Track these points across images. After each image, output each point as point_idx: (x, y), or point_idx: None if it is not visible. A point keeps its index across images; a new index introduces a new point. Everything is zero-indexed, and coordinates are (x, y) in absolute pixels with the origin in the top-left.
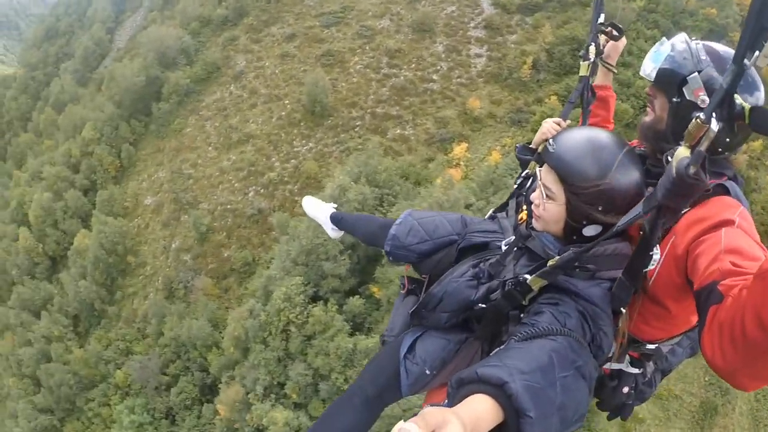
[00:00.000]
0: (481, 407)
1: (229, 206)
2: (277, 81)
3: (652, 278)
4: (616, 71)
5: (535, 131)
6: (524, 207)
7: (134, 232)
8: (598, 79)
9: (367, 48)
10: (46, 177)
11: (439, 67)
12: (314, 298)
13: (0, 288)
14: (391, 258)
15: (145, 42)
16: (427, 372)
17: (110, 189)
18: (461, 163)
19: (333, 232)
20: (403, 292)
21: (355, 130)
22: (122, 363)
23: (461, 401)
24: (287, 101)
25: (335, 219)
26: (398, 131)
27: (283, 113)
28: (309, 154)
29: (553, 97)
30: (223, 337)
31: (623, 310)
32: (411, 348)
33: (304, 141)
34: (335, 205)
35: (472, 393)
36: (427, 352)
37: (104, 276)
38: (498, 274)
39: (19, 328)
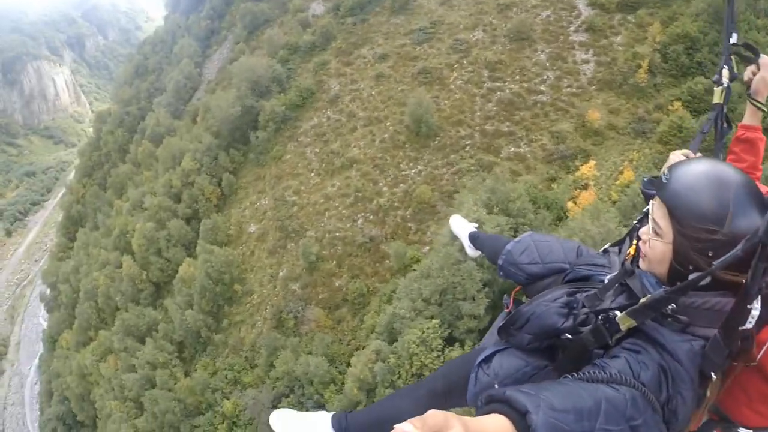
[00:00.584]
0: (494, 426)
1: (337, 234)
2: (375, 103)
3: (765, 347)
4: (766, 110)
5: (662, 142)
6: (634, 242)
7: (240, 260)
8: (746, 118)
9: (465, 62)
10: (148, 207)
11: (545, 77)
12: (449, 340)
13: (104, 313)
14: (501, 273)
15: (236, 72)
16: (496, 386)
17: (213, 217)
18: (591, 183)
19: (470, 249)
20: (506, 310)
21: (465, 149)
22: (230, 392)
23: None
24: (388, 123)
25: (473, 237)
26: (512, 149)
27: (386, 135)
28: (419, 178)
29: (677, 104)
30: (340, 373)
31: (714, 376)
32: (488, 359)
33: (411, 164)
34: (476, 225)
35: (495, 411)
36: (503, 367)
37: (210, 304)
38: (592, 307)
39: (122, 353)
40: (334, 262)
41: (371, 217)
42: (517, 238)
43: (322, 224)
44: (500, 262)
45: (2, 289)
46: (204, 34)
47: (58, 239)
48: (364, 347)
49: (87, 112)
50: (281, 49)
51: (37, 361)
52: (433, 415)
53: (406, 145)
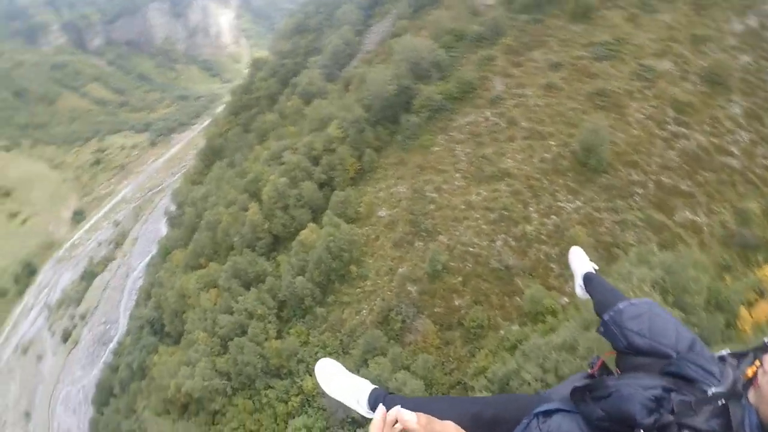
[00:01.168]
0: None
1: (471, 249)
2: (541, 115)
3: None
4: None
5: None
6: (757, 363)
7: (363, 241)
8: None
9: (648, 94)
10: (286, 162)
11: (738, 137)
12: None
13: (219, 247)
14: (602, 330)
15: (397, 49)
16: None
17: (347, 191)
18: None
19: (580, 290)
20: (589, 371)
21: (635, 198)
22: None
23: None
24: (552, 142)
25: (587, 279)
26: (689, 215)
27: (547, 155)
28: (575, 215)
29: None
30: None
31: None
32: (549, 413)
33: (570, 196)
34: (596, 267)
35: None
36: (560, 430)
37: (322, 276)
38: (681, 415)
39: (225, 293)
40: (460, 278)
41: (512, 242)
42: (633, 300)
43: (457, 233)
44: (606, 317)
45: (135, 190)
46: (367, 3)
47: (196, 163)
48: (466, 386)
49: (245, 55)
50: (446, 34)
51: (147, 259)
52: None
53: (569, 174)
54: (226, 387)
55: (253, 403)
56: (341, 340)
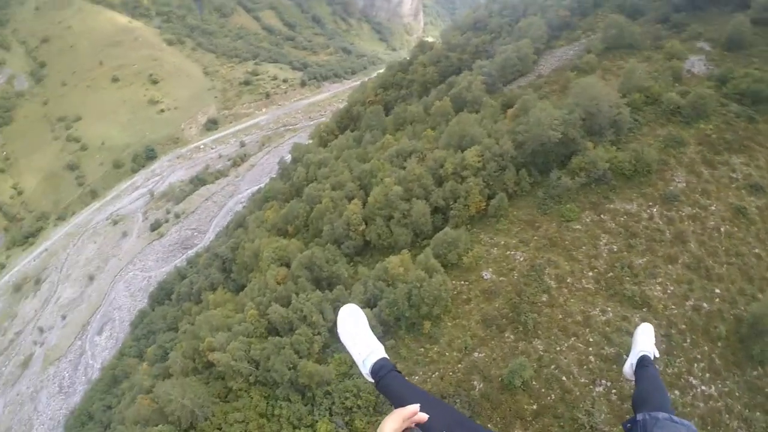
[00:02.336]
0: None
1: (564, 379)
2: (717, 246)
3: None
4: None
5: None
6: None
7: (450, 296)
8: None
9: None
10: (407, 170)
11: None
12: None
13: (310, 224)
14: (628, 426)
15: (575, 91)
16: None
17: (459, 231)
18: None
19: (629, 368)
20: None
21: None
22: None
23: None
24: (718, 290)
25: (641, 363)
26: None
27: (705, 306)
28: (701, 404)
29: None
30: None
31: None
32: None
33: (708, 375)
34: (657, 355)
35: None
36: None
37: (391, 317)
38: None
39: (290, 282)
40: (535, 406)
41: (615, 397)
42: (676, 418)
43: (558, 349)
44: (639, 417)
45: (271, 121)
46: (557, 23)
47: (329, 122)
48: None
49: (418, 30)
50: (636, 92)
51: (254, 189)
52: None
53: (719, 344)
54: (250, 374)
55: (267, 405)
56: (378, 395)
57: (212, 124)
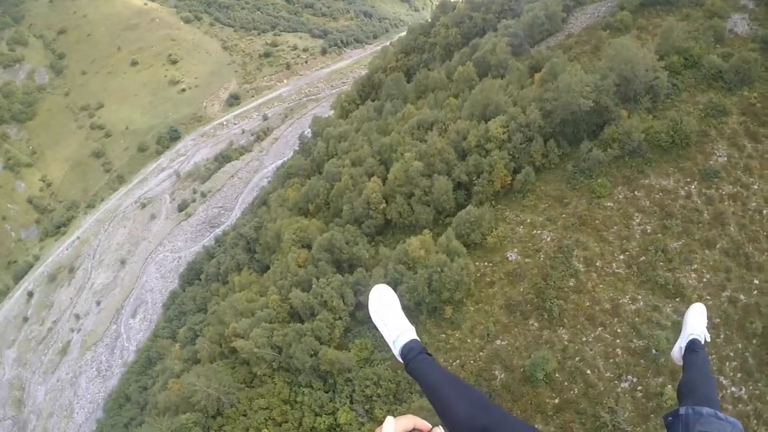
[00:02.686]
0: None
1: (588, 372)
2: (759, 231)
3: None
4: None
5: None
6: None
7: (473, 278)
8: None
9: None
10: (428, 143)
11: None
12: None
13: (330, 203)
14: (670, 419)
15: (609, 54)
16: None
17: (483, 209)
18: None
19: (677, 351)
20: None
21: None
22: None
23: None
24: (757, 280)
25: (690, 348)
26: None
27: (742, 298)
28: (730, 407)
29: None
30: None
31: None
32: None
33: (740, 376)
34: (708, 338)
35: None
36: None
37: (411, 301)
38: None
39: (311, 266)
40: (557, 400)
41: (640, 395)
42: (721, 414)
43: (583, 339)
44: (682, 411)
45: (293, 92)
46: None
47: (350, 91)
48: None
49: None
50: (675, 53)
51: (279, 163)
52: None
53: (755, 341)
54: (273, 360)
55: (290, 391)
56: (398, 383)
57: (234, 100)
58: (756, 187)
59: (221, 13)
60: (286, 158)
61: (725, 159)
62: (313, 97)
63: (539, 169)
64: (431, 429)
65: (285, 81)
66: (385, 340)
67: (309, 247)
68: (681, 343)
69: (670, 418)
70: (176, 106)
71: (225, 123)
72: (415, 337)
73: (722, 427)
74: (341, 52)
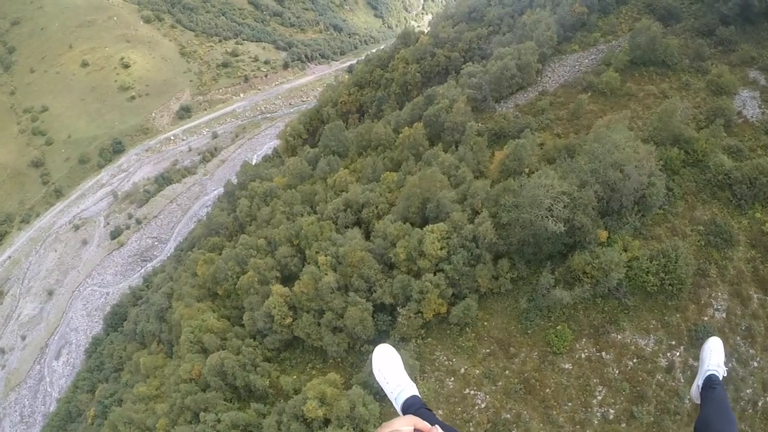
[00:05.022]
0: None
1: None
2: None
3: None
4: None
5: None
6: None
7: None
8: None
9: None
10: (346, 249)
11: None
12: None
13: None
14: None
15: (587, 151)
16: None
17: (408, 346)
18: None
19: (695, 389)
20: None
21: None
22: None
23: None
24: None
25: (707, 385)
26: None
27: None
28: None
29: None
30: None
31: None
32: None
33: None
34: (726, 373)
35: None
36: None
37: None
38: None
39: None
40: None
41: None
42: None
43: None
44: None
45: (248, 108)
46: (570, 21)
47: (296, 124)
48: None
49: (418, 6)
50: (673, 143)
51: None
52: None
53: None
54: None
55: None
56: None
57: (185, 112)
58: (755, 364)
59: (184, 15)
60: (219, 192)
61: (723, 315)
62: (268, 115)
63: (485, 295)
64: (430, 430)
65: (241, 95)
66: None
67: (206, 352)
68: (698, 381)
69: None
70: (123, 114)
71: (172, 138)
72: (415, 393)
73: None
74: (304, 67)
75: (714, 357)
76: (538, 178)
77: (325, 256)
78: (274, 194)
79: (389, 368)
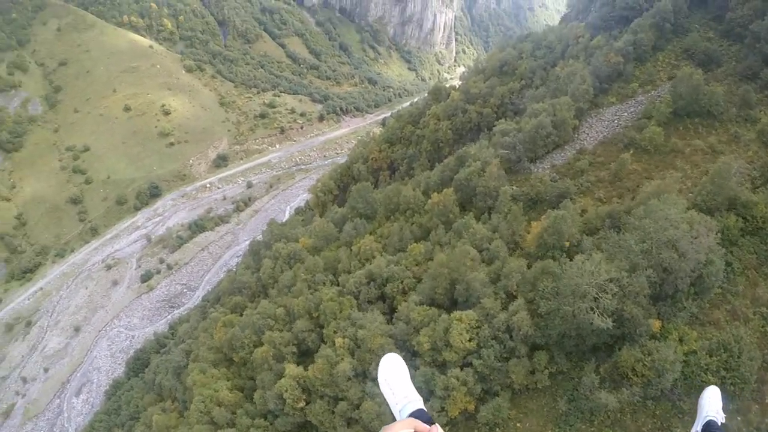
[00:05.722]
0: None
1: None
2: None
3: None
4: None
5: None
6: None
7: None
8: None
9: None
10: (362, 338)
11: None
12: None
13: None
14: None
15: (635, 227)
16: None
17: None
18: None
19: None
20: None
21: None
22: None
23: None
24: None
25: (707, 429)
26: None
27: None
28: None
29: None
30: None
31: None
32: None
33: None
34: (724, 420)
35: None
36: None
37: None
38: None
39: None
40: None
41: None
42: None
43: None
44: None
45: (283, 158)
46: (606, 72)
47: (327, 180)
48: None
49: (450, 59)
50: (732, 210)
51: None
52: None
53: None
54: None
55: None
56: None
57: (222, 161)
58: None
59: (224, 66)
60: (260, 235)
61: None
62: (303, 166)
63: (519, 391)
64: (429, 430)
65: (277, 146)
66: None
67: (215, 424)
68: (697, 427)
69: None
70: (162, 160)
71: (208, 185)
72: (422, 407)
73: None
74: (339, 119)
75: (712, 404)
76: (582, 263)
77: (343, 338)
78: (298, 257)
79: (396, 379)
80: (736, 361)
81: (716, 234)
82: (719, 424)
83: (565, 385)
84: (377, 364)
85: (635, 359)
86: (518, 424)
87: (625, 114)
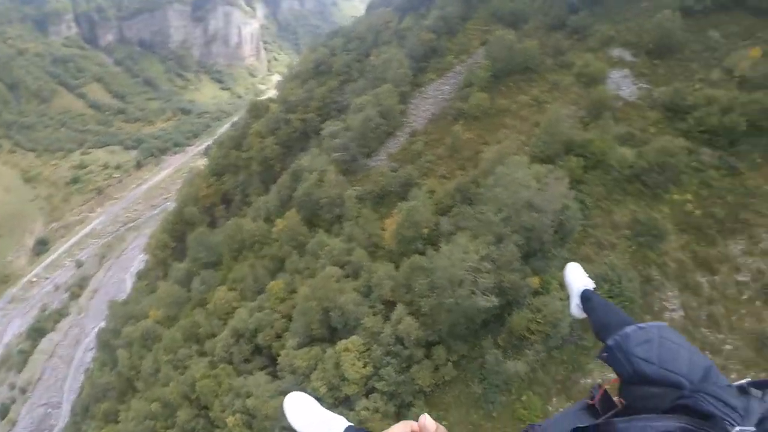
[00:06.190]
0: None
1: None
2: None
3: None
4: None
5: None
6: None
7: None
8: None
9: None
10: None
11: None
12: None
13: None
14: (605, 355)
15: (487, 198)
16: None
17: None
18: None
19: (577, 309)
20: (588, 401)
21: None
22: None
23: None
24: None
25: (585, 297)
26: None
27: None
28: None
29: None
30: None
31: None
32: None
33: None
34: (594, 285)
35: None
36: None
37: None
38: None
39: None
40: None
41: None
42: (642, 324)
43: None
44: (610, 342)
45: (107, 222)
46: (421, 52)
47: (159, 234)
48: None
49: (262, 69)
50: (571, 153)
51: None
52: None
53: None
54: None
55: None
56: None
57: (42, 246)
58: (728, 347)
59: (22, 136)
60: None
61: (682, 313)
62: (131, 224)
63: (431, 392)
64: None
65: (98, 209)
66: None
67: None
68: (575, 301)
69: (604, 353)
70: None
71: (35, 279)
72: (349, 424)
73: (650, 333)
74: (159, 161)
75: (578, 278)
76: (450, 251)
77: (233, 414)
78: (154, 335)
79: (307, 413)
80: (618, 287)
81: (565, 180)
82: (592, 289)
83: (472, 368)
84: (279, 428)
85: (527, 320)
86: (444, 422)
87: (447, 87)
